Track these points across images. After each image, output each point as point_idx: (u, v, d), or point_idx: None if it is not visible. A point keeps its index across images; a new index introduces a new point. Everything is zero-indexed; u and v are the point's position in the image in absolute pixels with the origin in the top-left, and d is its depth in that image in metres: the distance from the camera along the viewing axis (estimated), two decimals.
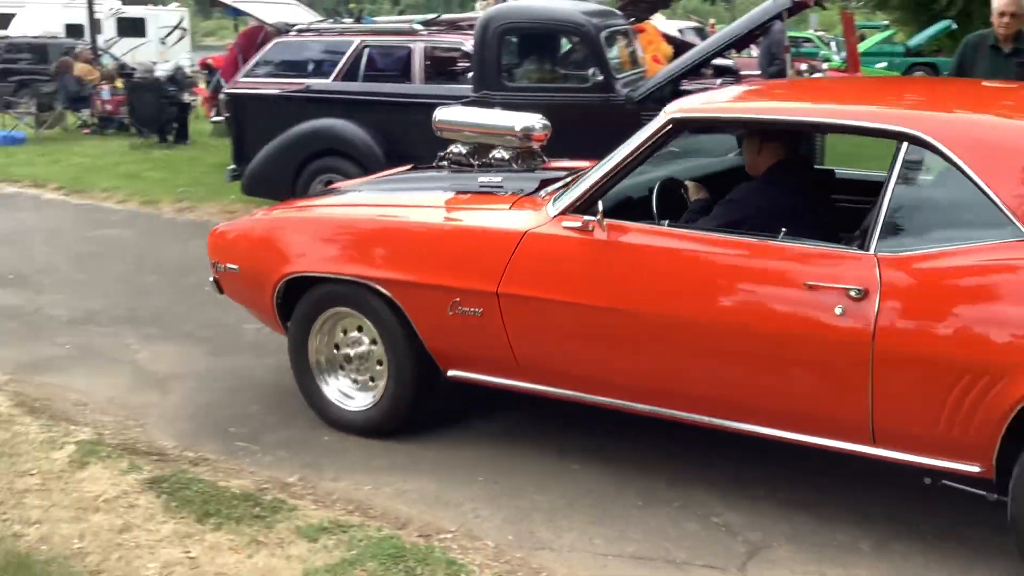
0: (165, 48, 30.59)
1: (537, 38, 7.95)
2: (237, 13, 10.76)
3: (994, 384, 2.82)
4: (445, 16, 10.06)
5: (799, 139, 3.87)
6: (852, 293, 2.99)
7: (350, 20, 9.82)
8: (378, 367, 4.02)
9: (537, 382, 3.74)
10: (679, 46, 9.80)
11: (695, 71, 7.35)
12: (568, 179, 3.98)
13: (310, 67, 9.68)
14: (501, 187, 4.11)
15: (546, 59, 7.91)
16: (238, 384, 4.75)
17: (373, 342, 4.01)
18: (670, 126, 3.46)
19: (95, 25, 16.37)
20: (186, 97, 14.33)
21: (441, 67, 9.33)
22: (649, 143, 3.49)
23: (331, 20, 10.06)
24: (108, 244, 7.93)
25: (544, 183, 4.06)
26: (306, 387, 4.23)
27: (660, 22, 11.95)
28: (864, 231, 3.13)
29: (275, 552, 3.15)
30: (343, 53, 9.04)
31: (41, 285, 6.53)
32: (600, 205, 3.41)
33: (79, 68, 15.44)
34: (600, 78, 7.15)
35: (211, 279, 4.50)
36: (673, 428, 3.61)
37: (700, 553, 3.22)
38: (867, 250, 3.03)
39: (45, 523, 3.34)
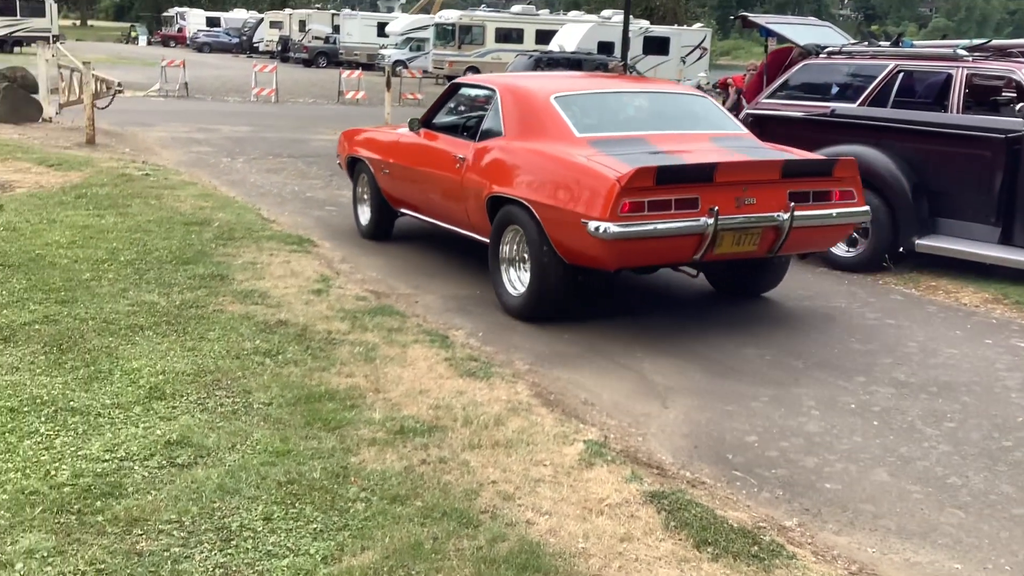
0: (684, 66, 31.75)
1: None
2: (769, 34, 10.72)
3: (481, 193, 6.35)
4: (995, 41, 9.15)
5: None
6: (460, 157, 6.72)
7: (886, 43, 9.32)
8: (367, 204, 8.51)
9: (416, 212, 7.72)
10: None
11: None
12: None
13: (834, 90, 9.36)
14: None
15: None
16: (736, 410, 4.67)
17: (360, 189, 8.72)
18: (450, 86, 7.69)
19: (627, 43, 17.37)
20: None
21: (982, 96, 8.54)
22: (443, 96, 7.63)
23: (866, 43, 9.63)
24: None
25: None
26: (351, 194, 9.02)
27: None
28: (478, 132, 6.78)
29: None
30: (874, 77, 8.63)
31: None
32: (418, 124, 7.57)
33: None
34: None
35: (339, 163, 9.18)
36: None
37: None
38: (474, 140, 6.73)
39: (554, 516, 3.49)
